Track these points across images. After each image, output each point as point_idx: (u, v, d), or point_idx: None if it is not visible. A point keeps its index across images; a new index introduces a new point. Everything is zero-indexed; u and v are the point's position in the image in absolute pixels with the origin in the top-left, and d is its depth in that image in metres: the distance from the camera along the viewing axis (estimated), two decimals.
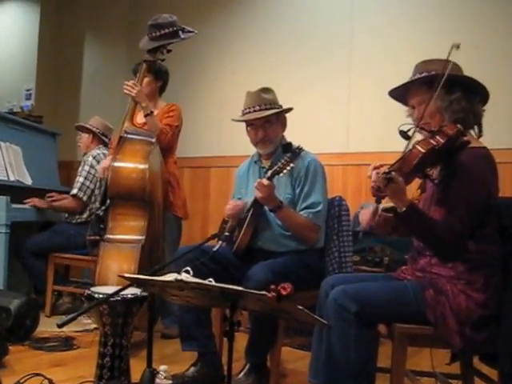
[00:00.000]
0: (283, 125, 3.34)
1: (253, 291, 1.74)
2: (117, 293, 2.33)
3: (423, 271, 2.34)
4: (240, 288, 1.75)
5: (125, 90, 3.96)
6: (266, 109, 3.19)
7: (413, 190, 2.53)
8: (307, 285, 2.81)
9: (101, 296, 2.62)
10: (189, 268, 1.95)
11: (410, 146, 2.19)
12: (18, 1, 7.19)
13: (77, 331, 4.00)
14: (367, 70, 4.75)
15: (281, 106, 3.28)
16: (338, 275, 2.85)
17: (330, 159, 4.76)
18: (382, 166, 2.17)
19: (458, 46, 2.17)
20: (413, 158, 2.14)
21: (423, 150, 2.13)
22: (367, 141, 4.71)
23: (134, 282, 2.17)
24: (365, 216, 2.40)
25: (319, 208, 3.12)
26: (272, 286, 1.67)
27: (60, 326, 2.12)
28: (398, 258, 3.93)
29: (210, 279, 1.91)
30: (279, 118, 3.28)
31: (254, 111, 3.20)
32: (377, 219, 2.33)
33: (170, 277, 1.85)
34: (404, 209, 2.19)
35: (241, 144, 3.63)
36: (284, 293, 1.66)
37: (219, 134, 5.58)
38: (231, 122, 3.39)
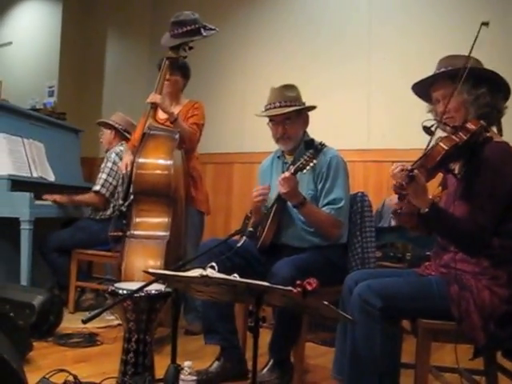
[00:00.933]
0: (305, 122, 3.33)
1: (279, 287, 1.73)
2: (140, 289, 2.35)
3: (447, 267, 2.32)
4: (266, 283, 1.75)
5: (148, 100, 3.97)
6: (287, 105, 3.18)
7: (433, 186, 2.52)
8: (330, 280, 2.80)
9: (125, 292, 2.64)
10: (214, 263, 1.96)
11: (433, 142, 2.18)
12: None
13: (100, 327, 4.01)
14: (387, 69, 4.74)
15: (303, 104, 3.27)
16: (361, 271, 2.83)
17: (351, 156, 4.72)
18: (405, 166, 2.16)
19: (486, 24, 2.15)
20: (436, 154, 2.14)
21: (446, 147, 2.13)
22: (388, 138, 4.70)
23: (159, 278, 2.17)
24: (394, 197, 2.37)
25: (341, 204, 3.10)
26: (298, 282, 1.67)
27: (85, 321, 2.14)
28: (420, 254, 3.91)
29: (235, 275, 1.91)
30: (300, 115, 3.26)
31: (275, 107, 3.20)
32: (405, 203, 2.31)
33: (195, 272, 1.85)
34: (426, 209, 2.17)
35: (263, 140, 3.62)
36: (309, 288, 1.65)
37: (242, 131, 5.59)
38: (254, 119, 3.39)
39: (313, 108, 3.32)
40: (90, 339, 3.72)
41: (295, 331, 2.90)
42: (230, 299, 2.40)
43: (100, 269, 5.43)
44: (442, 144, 2.15)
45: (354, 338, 2.24)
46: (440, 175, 2.49)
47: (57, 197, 4.59)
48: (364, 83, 4.90)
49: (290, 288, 1.68)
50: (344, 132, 4.90)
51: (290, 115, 3.21)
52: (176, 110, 4.11)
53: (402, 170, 2.12)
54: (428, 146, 2.18)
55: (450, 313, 2.17)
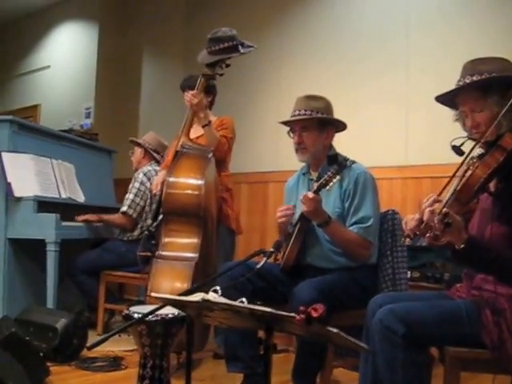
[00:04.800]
0: (328, 136, 3.18)
1: (281, 313, 1.59)
2: (151, 313, 2.24)
3: (479, 289, 2.15)
4: (268, 309, 1.61)
5: (186, 99, 3.98)
6: (306, 115, 3.08)
7: None
8: (358, 303, 2.68)
9: (140, 316, 2.54)
10: (217, 287, 1.84)
11: (465, 167, 2.00)
12: (77, 20, 7.41)
13: (126, 350, 3.92)
14: (427, 80, 4.57)
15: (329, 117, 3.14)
16: (386, 294, 2.68)
17: (389, 172, 4.65)
18: (436, 201, 1.98)
19: None
20: (472, 184, 1.97)
21: (484, 175, 1.96)
22: (426, 153, 4.53)
23: (164, 303, 2.06)
24: (409, 222, 2.18)
25: (370, 223, 2.96)
26: (301, 308, 1.53)
27: (89, 348, 2.05)
28: (460, 274, 3.72)
29: (243, 299, 1.78)
30: (322, 127, 3.13)
31: (294, 116, 3.12)
32: (422, 227, 2.13)
33: (197, 297, 1.73)
34: (462, 245, 1.98)
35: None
36: (315, 315, 1.50)
37: (277, 149, 5.48)
38: (288, 137, 3.27)
39: (340, 123, 3.19)
40: (114, 363, 3.64)
41: (319, 357, 2.76)
42: (240, 325, 2.26)
43: (133, 290, 5.37)
44: (478, 172, 1.96)
45: (376, 365, 2.09)
46: None
47: (88, 216, 4.58)
48: (402, 96, 4.75)
49: (292, 314, 1.54)
50: (381, 148, 4.78)
51: (306, 124, 3.11)
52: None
53: (433, 213, 1.92)
54: (457, 171, 2.01)
55: (481, 340, 2.00)
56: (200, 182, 3.68)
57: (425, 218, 1.95)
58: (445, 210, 1.90)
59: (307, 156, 3.15)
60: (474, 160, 2.05)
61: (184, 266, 3.57)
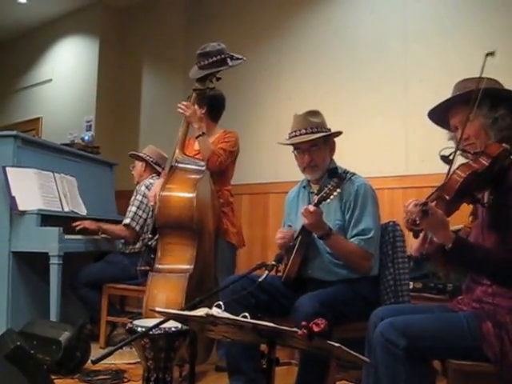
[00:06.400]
0: (331, 149, 3.22)
1: (283, 328, 1.61)
2: (155, 327, 2.25)
3: (480, 301, 2.16)
4: (271, 324, 1.62)
5: (179, 110, 3.97)
6: (313, 132, 3.08)
7: (464, 215, 2.38)
8: (359, 315, 2.68)
9: (143, 330, 2.55)
10: (221, 302, 1.86)
11: (452, 171, 2.05)
12: (78, 35, 7.48)
13: (130, 363, 3.94)
14: (425, 91, 4.59)
15: (329, 130, 3.16)
16: (388, 306, 2.69)
17: (390, 182, 4.66)
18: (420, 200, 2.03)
19: (492, 54, 2.09)
20: (453, 184, 2.02)
21: (463, 175, 2.00)
22: (427, 162, 4.54)
23: (167, 317, 2.07)
24: (414, 243, 2.24)
25: (371, 234, 2.97)
26: (303, 323, 1.54)
27: (94, 362, 2.05)
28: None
29: (246, 314, 1.80)
30: (327, 141, 3.16)
31: (300, 135, 3.10)
32: (427, 247, 2.18)
33: (201, 311, 1.75)
34: (450, 245, 2.03)
35: (299, 169, 3.51)
36: (316, 329, 1.52)
37: (277, 160, 5.49)
38: (289, 147, 3.27)
39: (339, 133, 3.21)
40: (117, 376, 3.64)
41: (322, 370, 2.74)
42: (243, 339, 2.28)
43: (134, 302, 5.37)
44: (459, 172, 2.02)
45: (378, 378, 2.10)
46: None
47: (86, 222, 4.54)
48: (401, 106, 4.76)
49: (294, 329, 1.56)
50: (382, 158, 4.79)
51: (316, 142, 3.11)
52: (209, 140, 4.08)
53: (416, 205, 1.98)
54: (446, 175, 2.05)
55: (483, 353, 2.01)
56: (191, 194, 3.70)
57: (408, 209, 2.03)
58: (425, 200, 1.97)
59: (318, 173, 3.17)
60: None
61: (178, 278, 3.59)
